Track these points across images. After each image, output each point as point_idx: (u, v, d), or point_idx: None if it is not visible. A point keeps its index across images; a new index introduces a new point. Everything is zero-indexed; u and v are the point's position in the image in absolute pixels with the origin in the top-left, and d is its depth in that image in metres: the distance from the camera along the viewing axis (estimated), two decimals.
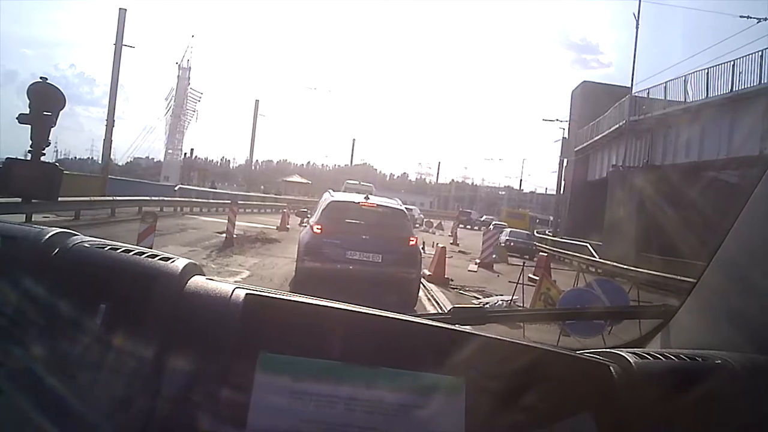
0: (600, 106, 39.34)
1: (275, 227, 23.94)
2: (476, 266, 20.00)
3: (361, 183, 17.24)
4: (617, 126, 33.69)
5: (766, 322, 1.43)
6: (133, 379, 1.00)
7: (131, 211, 22.63)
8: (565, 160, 47.10)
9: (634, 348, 1.38)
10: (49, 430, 0.94)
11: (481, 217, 60.91)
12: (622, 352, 1.28)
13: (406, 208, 11.50)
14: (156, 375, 1.01)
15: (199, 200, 30.94)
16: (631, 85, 32.76)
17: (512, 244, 30.61)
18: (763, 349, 1.36)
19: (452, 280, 14.51)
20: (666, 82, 28.95)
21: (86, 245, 1.15)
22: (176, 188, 32.40)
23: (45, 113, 3.13)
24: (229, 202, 21.23)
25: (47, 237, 1.13)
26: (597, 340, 6.29)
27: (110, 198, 19.49)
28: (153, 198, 24.94)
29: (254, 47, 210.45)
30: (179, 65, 69.97)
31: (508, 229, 35.17)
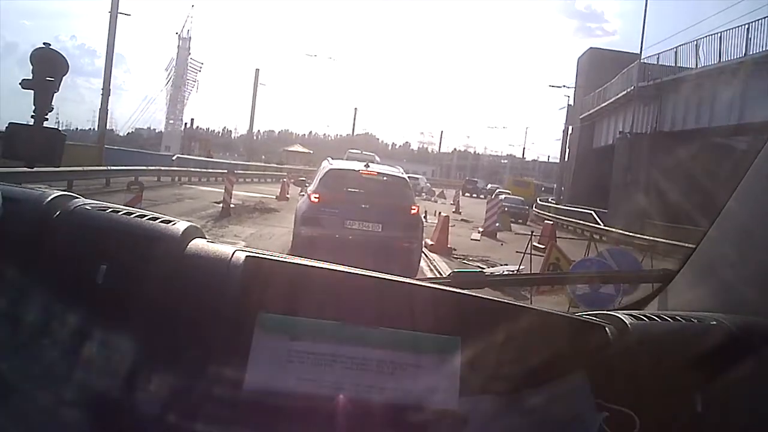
0: (607, 73, 38.50)
1: (275, 197, 23.49)
2: (479, 235, 19.56)
3: (364, 152, 16.63)
4: (625, 92, 32.95)
5: (760, 285, 1.42)
6: (133, 338, 1.00)
7: (127, 181, 22.20)
8: (570, 128, 46.35)
9: (632, 310, 1.37)
10: (50, 388, 0.95)
11: (487, 185, 60.12)
12: (619, 314, 1.28)
13: (412, 177, 11.01)
14: (156, 334, 1.02)
15: (197, 170, 30.38)
16: (641, 50, 31.76)
17: (506, 209, 29.88)
18: (757, 311, 1.36)
19: (455, 250, 14.12)
20: (676, 47, 28.27)
21: (87, 208, 1.15)
22: (174, 158, 31.83)
23: (48, 79, 1.77)
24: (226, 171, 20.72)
25: (49, 199, 1.13)
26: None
27: (104, 168, 18.95)
28: (149, 168, 24.40)
29: (255, 15, 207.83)
30: (179, 35, 68.79)
31: (503, 196, 34.23)
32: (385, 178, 10.02)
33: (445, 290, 1.25)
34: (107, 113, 25.14)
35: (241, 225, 14.75)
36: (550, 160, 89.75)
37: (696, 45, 26.12)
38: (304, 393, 1.06)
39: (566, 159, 47.30)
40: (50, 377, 0.98)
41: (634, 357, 1.18)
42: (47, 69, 1.64)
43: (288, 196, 23.18)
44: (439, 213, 16.82)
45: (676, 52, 27.92)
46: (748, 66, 21.95)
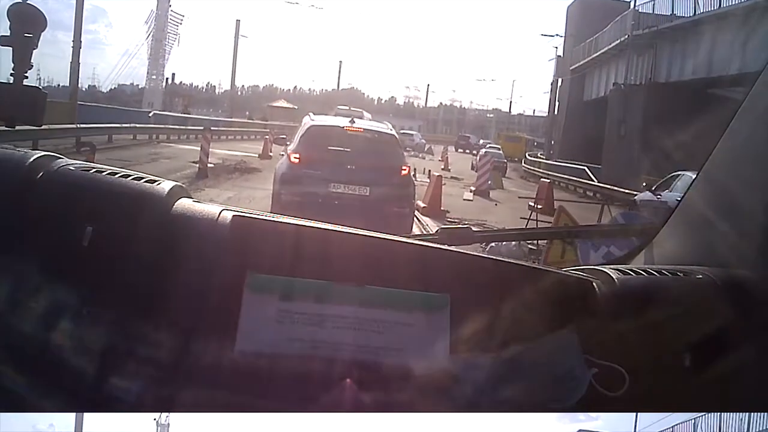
0: (598, 23, 37.31)
1: (257, 155, 22.60)
2: (471, 194, 18.78)
3: (352, 109, 15.38)
4: (618, 41, 31.92)
5: (746, 238, 1.42)
6: (121, 300, 1.00)
7: (100, 140, 21.13)
8: (560, 80, 45.12)
9: (618, 265, 1.38)
10: (36, 352, 0.95)
11: (479, 141, 58.98)
12: (605, 269, 1.29)
13: (405, 133, 10.07)
14: (143, 296, 1.01)
15: (176, 127, 29.09)
16: None
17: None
18: (742, 264, 1.37)
19: (448, 212, 13.30)
20: None
21: (71, 168, 1.13)
22: (150, 114, 30.36)
23: (26, 35, 1.78)
24: (217, 129, 19.65)
25: (31, 160, 1.11)
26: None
27: (72, 125, 17.71)
28: (123, 125, 23.09)
29: None
30: None
31: (483, 150, 33.09)
32: (372, 136, 9.12)
33: (432, 247, 1.25)
34: (79, 67, 23.74)
35: (218, 187, 13.89)
36: (536, 114, 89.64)
37: None
38: (295, 353, 1.06)
39: (555, 112, 46.22)
40: (35, 341, 0.96)
41: (621, 311, 1.18)
42: (25, 25, 1.57)
43: (271, 154, 22.17)
44: (429, 171, 15.96)
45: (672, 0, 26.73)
46: (749, 11, 20.95)
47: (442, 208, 13.15)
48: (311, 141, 8.69)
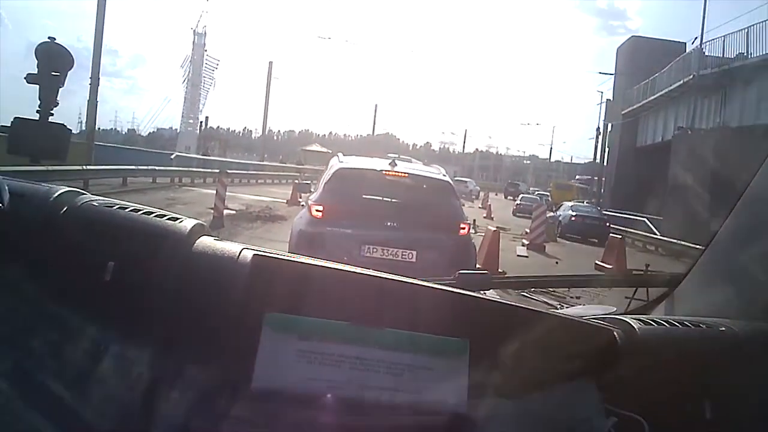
0: (652, 64, 35.09)
1: (285, 201, 20.55)
2: (525, 249, 16.30)
3: (400, 157, 12.30)
4: (680, 82, 29.47)
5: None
6: (141, 336, 1.00)
7: (114, 182, 19.46)
8: (610, 125, 42.55)
9: (639, 315, 1.36)
10: (58, 387, 0.95)
11: (529, 188, 56.50)
12: (627, 318, 1.26)
13: (460, 179, 7.60)
14: (163, 333, 1.01)
15: (199, 170, 27.25)
16: (701, 35, 28.14)
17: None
18: (765, 317, 1.33)
19: (505, 274, 10.83)
20: (724, 36, 25.04)
21: (95, 204, 1.14)
22: (172, 156, 28.67)
23: (53, 73, 2.05)
24: (241, 172, 17.66)
25: (56, 195, 1.11)
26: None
27: (78, 167, 15.87)
28: (140, 167, 21.34)
29: (272, 11, 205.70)
30: (194, 30, 67.13)
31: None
32: (420, 183, 6.87)
33: (453, 292, 1.22)
34: (96, 106, 22.14)
35: (235, 238, 11.45)
36: (574, 161, 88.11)
37: (747, 32, 22.78)
38: (312, 393, 1.05)
39: (607, 160, 43.39)
40: (58, 375, 0.96)
41: (642, 362, 1.16)
42: (52, 64, 1.68)
43: (300, 200, 20.18)
44: (474, 221, 13.55)
45: (747, 36, 24.21)
46: None
47: (499, 270, 10.69)
48: (339, 188, 6.52)
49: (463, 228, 6.58)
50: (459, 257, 6.21)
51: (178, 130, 71.08)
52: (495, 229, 11.38)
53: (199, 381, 0.99)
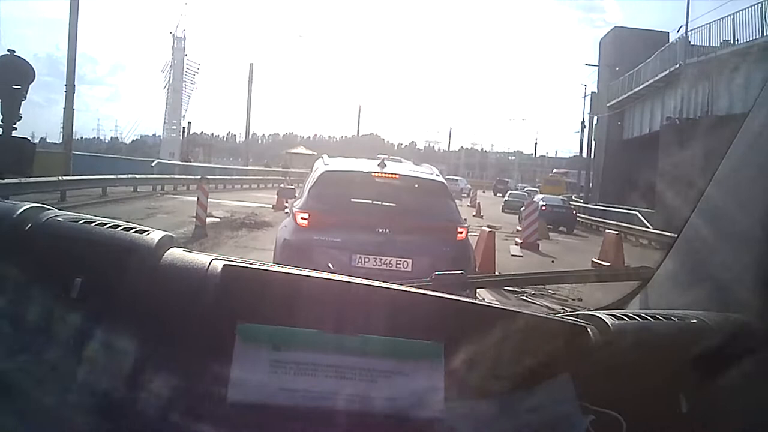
0: (635, 55, 34.83)
1: (271, 206, 20.05)
2: (519, 248, 15.91)
3: (390, 157, 11.27)
4: (666, 72, 29.19)
5: (740, 282, 1.41)
6: (110, 352, 0.98)
7: (93, 193, 18.88)
8: (596, 118, 42.31)
9: (613, 310, 1.37)
10: (27, 405, 0.94)
11: (518, 185, 56.18)
12: (600, 314, 1.27)
13: (451, 178, 7.05)
14: (133, 347, 0.99)
15: (182, 177, 26.61)
16: (686, 24, 27.85)
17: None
18: (737, 308, 1.35)
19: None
20: (709, 23, 24.96)
21: (59, 219, 1.13)
22: (153, 164, 27.94)
23: (14, 87, 1.81)
24: (225, 178, 17.03)
25: (19, 212, 1.10)
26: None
27: (54, 178, 15.26)
28: (119, 176, 20.71)
29: (252, 13, 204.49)
30: (173, 35, 66.19)
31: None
32: (412, 185, 6.35)
33: (426, 294, 1.20)
34: (73, 114, 21.65)
35: (218, 248, 11.29)
36: (557, 156, 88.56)
37: (732, 19, 22.63)
38: (288, 404, 1.04)
39: (594, 153, 43.14)
40: (25, 394, 0.95)
41: (616, 358, 1.16)
42: (13, 77, 1.62)
43: (286, 205, 19.70)
44: (465, 220, 13.03)
45: (733, 22, 23.95)
46: None
47: (496, 272, 10.28)
48: (326, 193, 6.02)
49: (461, 232, 6.04)
50: (458, 264, 5.69)
51: (162, 137, 70.38)
52: (489, 230, 10.93)
53: (174, 397, 0.97)
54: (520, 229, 19.31)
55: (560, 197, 30.55)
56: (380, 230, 5.67)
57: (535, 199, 26.33)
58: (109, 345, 0.98)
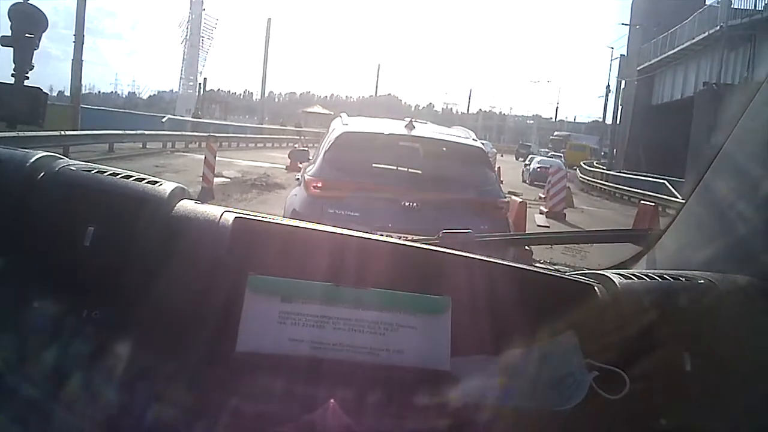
0: (669, 17, 33.20)
1: (285, 167, 19.23)
2: (544, 218, 14.99)
3: (416, 121, 8.39)
4: (705, 34, 27.73)
5: (749, 244, 1.40)
6: (122, 300, 1.00)
7: (99, 149, 18.13)
8: (623, 82, 40.74)
9: (621, 269, 1.36)
10: (37, 355, 0.96)
11: (540, 150, 54.01)
12: (608, 273, 1.27)
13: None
14: (144, 296, 1.01)
15: (193, 134, 25.62)
16: None
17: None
18: (745, 269, 1.34)
19: (531, 253, 9.48)
20: None
21: (72, 168, 1.13)
22: (164, 120, 26.92)
23: (27, 35, 1.63)
24: (238, 136, 16.23)
25: (33, 160, 1.10)
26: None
27: (54, 133, 14.42)
28: (126, 132, 19.83)
29: None
30: None
31: (539, 158, 32.60)
32: (446, 151, 5.39)
33: (434, 250, 1.22)
34: (81, 66, 20.72)
35: None
36: (576, 121, 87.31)
37: None
38: (296, 354, 1.05)
39: (618, 118, 41.69)
40: (38, 342, 0.96)
41: (622, 316, 1.17)
42: (26, 25, 1.57)
43: (300, 166, 18.89)
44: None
45: None
46: None
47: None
48: (343, 158, 5.11)
49: (501, 207, 5.13)
50: None
51: (178, 93, 69.93)
52: (520, 200, 10.03)
53: (184, 345, 0.98)
54: (543, 196, 18.42)
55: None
56: (406, 203, 4.81)
57: (533, 162, 29.53)
58: (120, 292, 0.99)
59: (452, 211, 4.88)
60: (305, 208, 4.93)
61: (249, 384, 1.00)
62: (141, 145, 20.96)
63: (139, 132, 20.78)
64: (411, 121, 5.60)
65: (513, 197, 10.72)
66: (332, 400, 1.00)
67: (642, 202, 15.01)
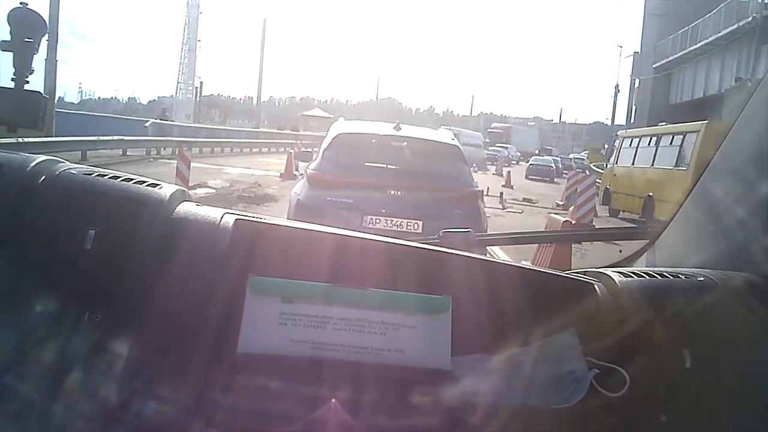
0: (686, 11, 31.44)
1: (279, 174, 17.56)
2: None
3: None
4: (734, 26, 26.15)
5: (749, 241, 1.40)
6: (123, 303, 1.01)
7: (72, 156, 16.38)
8: (637, 81, 38.96)
9: (620, 267, 1.38)
10: (39, 356, 0.96)
11: (566, 154, 52.93)
12: (607, 271, 1.28)
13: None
14: (146, 299, 1.01)
15: (172, 139, 23.44)
16: None
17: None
18: (745, 267, 1.35)
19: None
20: None
21: (73, 172, 1.13)
22: (147, 124, 25.13)
23: (26, 39, 1.60)
24: (231, 140, 14.50)
25: (33, 164, 1.11)
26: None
27: (10, 140, 12.60)
28: (101, 138, 18.00)
29: None
30: None
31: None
32: (426, 148, 6.32)
33: (434, 250, 1.23)
34: (56, 67, 19.06)
35: None
36: (577, 122, 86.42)
37: None
38: (297, 355, 1.06)
39: (632, 118, 39.88)
40: (38, 345, 0.97)
41: (623, 314, 1.17)
42: (25, 29, 1.62)
43: (296, 173, 17.20)
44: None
45: None
46: None
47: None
48: (340, 155, 6.12)
49: (472, 195, 6.00)
50: (468, 227, 3.63)
51: (176, 98, 68.93)
52: (564, 219, 8.16)
53: (185, 347, 0.99)
54: (560, 203, 16.68)
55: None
56: (392, 192, 5.72)
57: (531, 161, 35.44)
58: (121, 295, 1.00)
59: (431, 199, 5.70)
60: (307, 198, 5.74)
61: (250, 385, 1.01)
62: (120, 152, 19.24)
63: (117, 138, 19.03)
64: (398, 123, 6.52)
65: (553, 215, 9.04)
66: (334, 400, 1.00)
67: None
